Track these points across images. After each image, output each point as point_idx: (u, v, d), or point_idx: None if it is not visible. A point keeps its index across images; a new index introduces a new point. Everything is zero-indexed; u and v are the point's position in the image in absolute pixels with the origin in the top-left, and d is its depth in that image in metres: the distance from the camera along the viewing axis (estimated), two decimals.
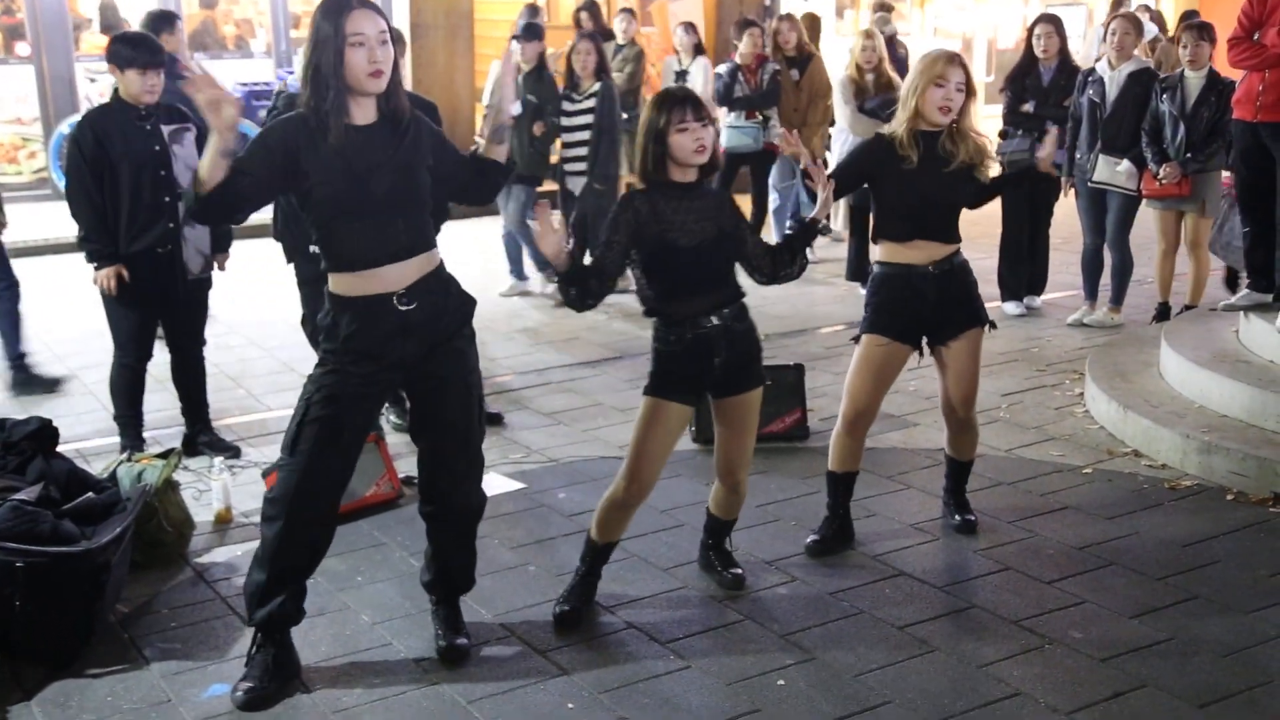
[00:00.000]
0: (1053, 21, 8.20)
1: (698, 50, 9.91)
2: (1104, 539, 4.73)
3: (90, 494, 4.38)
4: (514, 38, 8.56)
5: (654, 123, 3.81)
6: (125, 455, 4.98)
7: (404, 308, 3.61)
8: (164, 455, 4.88)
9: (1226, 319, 6.41)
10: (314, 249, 3.93)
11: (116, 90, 5.33)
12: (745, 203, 9.81)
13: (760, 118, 9.48)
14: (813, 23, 10.83)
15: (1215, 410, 5.67)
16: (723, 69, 9.73)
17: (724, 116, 9.56)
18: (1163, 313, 7.65)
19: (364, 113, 3.57)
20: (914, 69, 4.54)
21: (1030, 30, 8.40)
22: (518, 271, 9.02)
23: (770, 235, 9.86)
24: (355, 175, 3.53)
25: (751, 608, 4.24)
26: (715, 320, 3.94)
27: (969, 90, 4.42)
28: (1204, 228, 7.49)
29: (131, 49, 5.27)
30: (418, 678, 3.84)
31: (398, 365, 3.68)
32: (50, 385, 6.80)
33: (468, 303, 3.83)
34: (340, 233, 3.58)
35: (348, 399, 3.63)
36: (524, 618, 4.18)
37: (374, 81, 3.50)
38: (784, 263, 4.18)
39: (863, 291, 4.83)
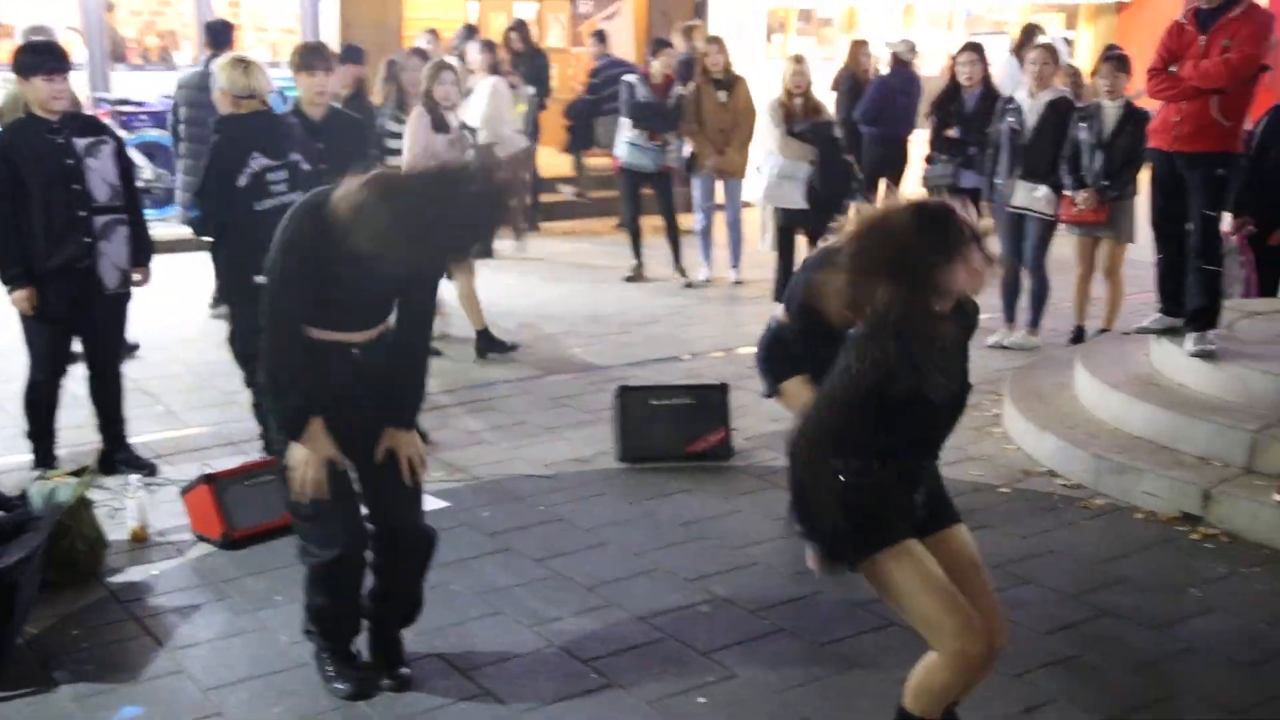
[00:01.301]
0: (976, 49, 8.38)
1: (492, 70, 9.87)
2: (1020, 557, 4.81)
3: (0, 512, 4.29)
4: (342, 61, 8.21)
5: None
6: (38, 473, 4.89)
7: (361, 357, 3.64)
8: (78, 473, 4.80)
9: (1139, 342, 6.55)
10: (259, 279, 3.83)
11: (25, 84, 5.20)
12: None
13: (661, 141, 9.60)
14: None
15: (1128, 431, 5.79)
16: (630, 77, 9.86)
17: (627, 131, 9.68)
18: (1078, 336, 7.80)
19: None
20: None
21: (954, 58, 8.57)
22: None
23: (694, 254, 9.94)
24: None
25: (674, 626, 4.26)
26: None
27: None
28: (1119, 253, 7.67)
29: (34, 55, 5.19)
30: (337, 699, 3.80)
31: (349, 413, 3.65)
32: None
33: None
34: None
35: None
36: (447, 637, 4.16)
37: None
38: None
39: None
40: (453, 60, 10.96)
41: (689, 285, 9.73)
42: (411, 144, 7.33)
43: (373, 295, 3.63)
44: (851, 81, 11.13)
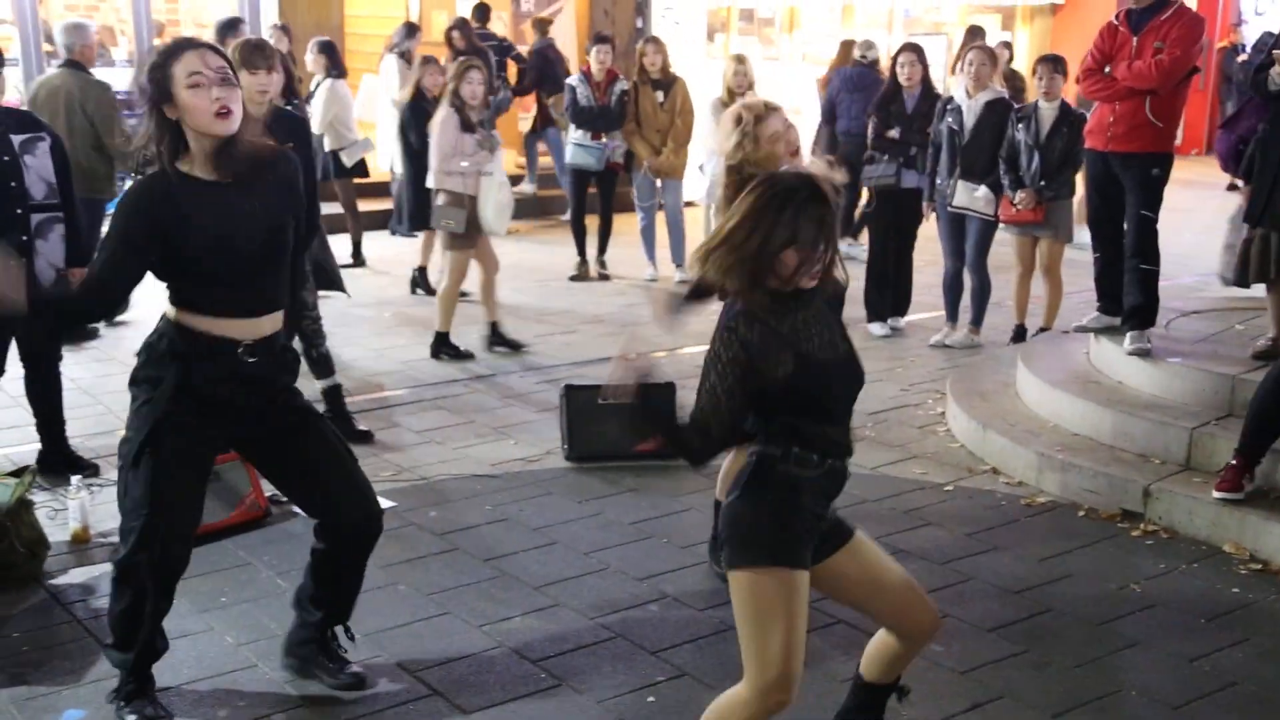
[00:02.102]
0: (915, 50, 8.43)
1: (328, 72, 9.78)
2: (964, 554, 4.85)
3: None
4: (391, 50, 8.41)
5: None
6: None
7: (248, 359, 3.47)
8: (17, 474, 4.71)
9: (1079, 341, 6.64)
10: None
11: None
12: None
13: (604, 139, 9.65)
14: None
15: (1068, 429, 5.87)
16: (573, 79, 9.92)
17: (571, 132, 9.77)
18: (1019, 334, 7.89)
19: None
20: None
21: (894, 59, 8.62)
22: None
23: (634, 251, 9.95)
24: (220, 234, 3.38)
25: (623, 625, 4.26)
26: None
27: None
28: (1057, 253, 7.76)
29: None
30: (284, 700, 3.76)
31: (226, 420, 3.54)
32: None
33: (296, 358, 3.77)
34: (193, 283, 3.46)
35: (178, 461, 3.48)
36: (394, 638, 4.13)
37: (221, 123, 3.31)
38: None
39: None
40: (392, 58, 10.96)
41: (604, 277, 9.90)
42: (440, 143, 7.33)
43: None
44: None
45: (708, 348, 2.93)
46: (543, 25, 12.95)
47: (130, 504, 3.49)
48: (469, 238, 7.39)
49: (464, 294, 7.90)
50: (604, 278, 9.93)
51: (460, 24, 11.79)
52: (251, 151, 3.44)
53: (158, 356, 3.48)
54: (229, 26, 8.77)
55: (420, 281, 9.28)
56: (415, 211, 8.64)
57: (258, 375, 3.50)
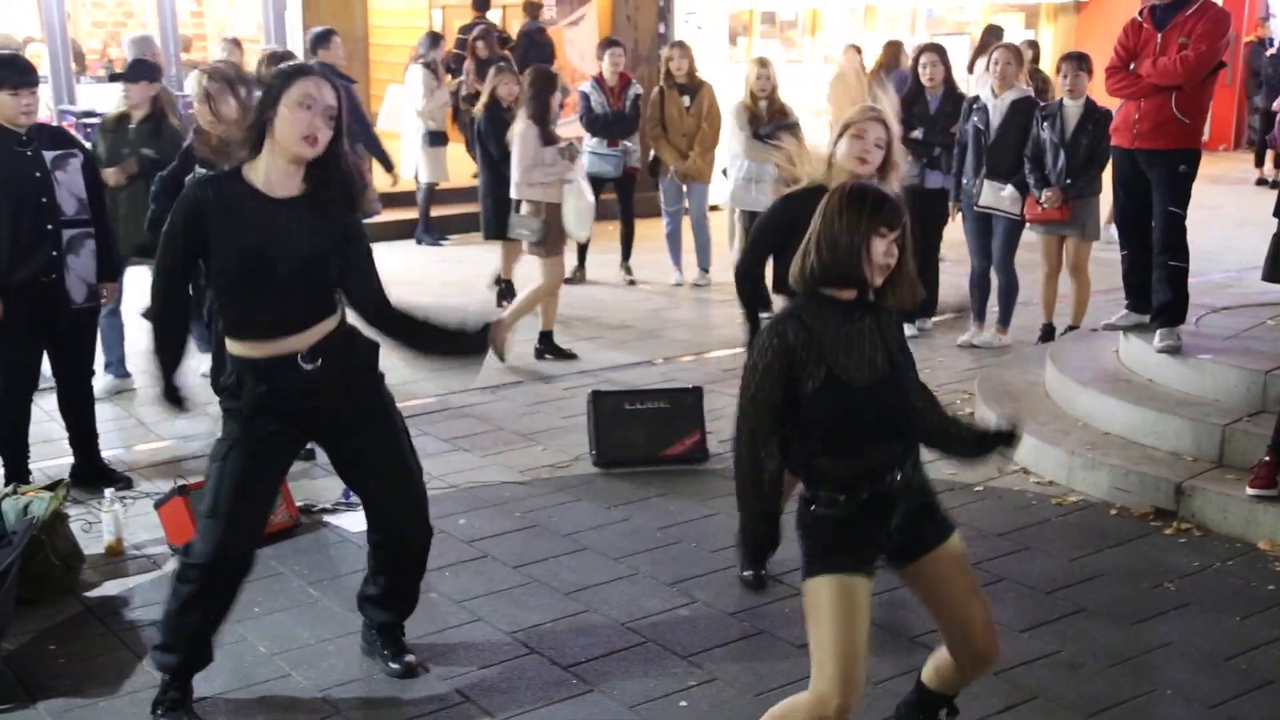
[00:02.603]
0: (937, 51, 8.41)
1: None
2: (995, 555, 4.83)
3: None
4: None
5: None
6: (10, 488, 4.83)
7: (308, 366, 3.56)
8: (52, 487, 4.75)
9: (1108, 339, 6.59)
10: None
11: None
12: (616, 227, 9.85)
13: (621, 146, 9.61)
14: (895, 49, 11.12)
15: (1098, 428, 5.83)
16: (586, 86, 9.84)
17: (587, 140, 9.64)
18: (1047, 333, 7.84)
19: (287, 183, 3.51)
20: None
21: (916, 60, 8.60)
22: None
23: (659, 256, 9.94)
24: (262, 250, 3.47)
25: (654, 630, 4.25)
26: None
27: (889, 149, 4.28)
28: (1084, 251, 7.72)
29: (1, 69, 5.13)
30: (318, 708, 3.78)
31: (306, 422, 3.68)
32: None
33: (373, 349, 3.76)
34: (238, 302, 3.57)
35: (261, 458, 3.62)
36: (427, 644, 4.14)
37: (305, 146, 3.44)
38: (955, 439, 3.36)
39: (761, 314, 4.68)
40: (417, 68, 11.01)
41: (631, 283, 9.86)
42: (521, 155, 7.38)
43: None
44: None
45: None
46: (533, 8, 13.08)
47: (205, 510, 3.64)
48: (555, 243, 7.51)
49: (503, 295, 8.01)
50: (630, 283, 9.91)
51: (484, 33, 11.87)
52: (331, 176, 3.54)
53: (229, 390, 3.61)
54: (322, 39, 8.96)
55: (507, 293, 9.04)
56: (493, 220, 8.59)
57: (322, 377, 3.58)
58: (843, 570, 3.01)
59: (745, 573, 4.59)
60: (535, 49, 12.30)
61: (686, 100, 9.50)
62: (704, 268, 9.77)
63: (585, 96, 9.74)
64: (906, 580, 3.24)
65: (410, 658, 3.97)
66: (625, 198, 9.95)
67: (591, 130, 9.69)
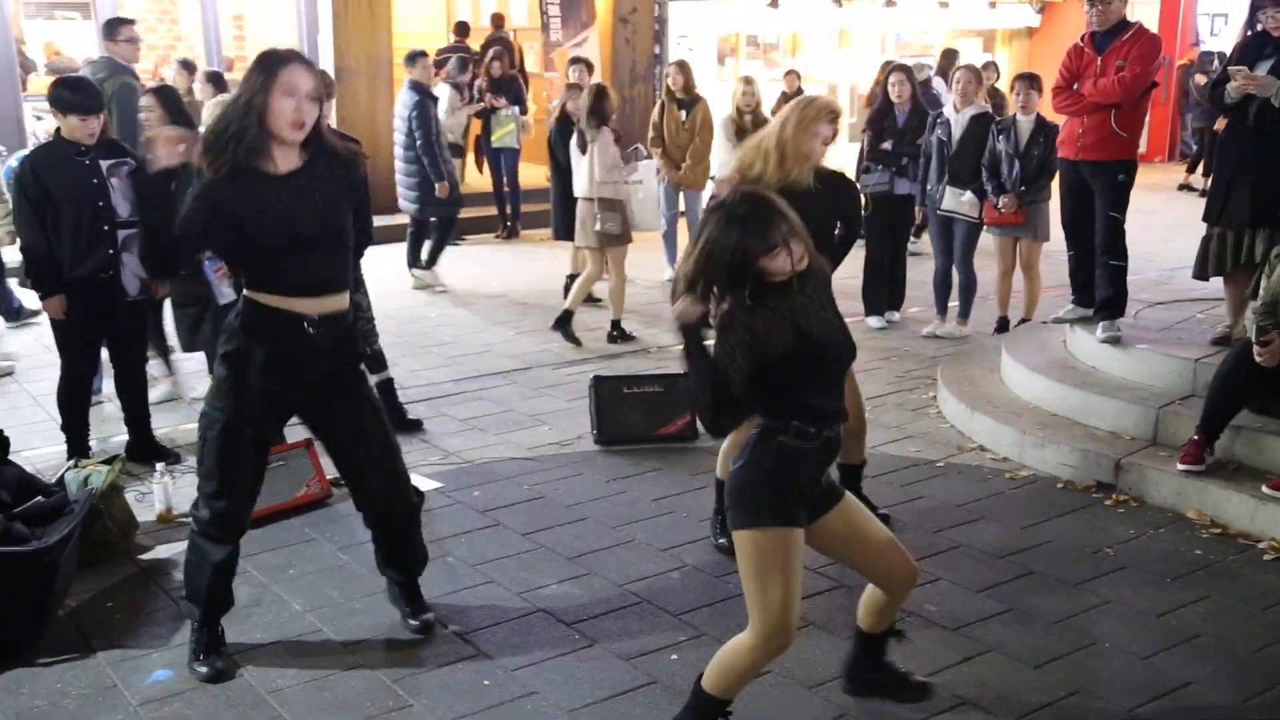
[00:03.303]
0: (904, 70, 8.39)
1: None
2: (954, 524, 4.84)
3: (39, 498, 4.26)
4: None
5: None
6: (72, 462, 4.84)
7: (313, 331, 3.54)
8: (109, 461, 4.76)
9: (1056, 330, 6.60)
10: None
11: (59, 129, 5.19)
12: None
13: None
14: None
15: (1047, 410, 5.84)
16: (558, 103, 9.48)
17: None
18: (1002, 325, 7.84)
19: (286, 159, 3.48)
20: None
21: (884, 78, 8.58)
22: None
23: (654, 255, 9.91)
24: (280, 217, 3.44)
25: (648, 591, 4.27)
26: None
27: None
28: (1036, 251, 7.71)
29: (73, 94, 5.12)
30: (346, 660, 3.79)
31: (299, 383, 3.62)
32: None
33: (361, 335, 3.82)
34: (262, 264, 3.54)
35: (256, 413, 3.60)
36: (444, 603, 4.14)
37: (294, 132, 3.42)
38: None
39: None
40: (445, 87, 10.99)
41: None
42: (603, 159, 7.62)
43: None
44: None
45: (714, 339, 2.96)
46: (498, 20, 13.35)
47: (204, 471, 3.63)
48: (624, 237, 7.78)
49: (595, 299, 8.40)
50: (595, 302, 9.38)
51: (499, 54, 11.86)
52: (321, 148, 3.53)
53: (233, 331, 3.58)
54: (416, 58, 9.41)
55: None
56: (562, 223, 8.63)
57: (322, 347, 3.57)
58: (789, 523, 2.96)
59: (720, 540, 4.60)
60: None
61: (683, 114, 9.43)
62: None
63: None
64: (815, 537, 3.12)
65: (428, 615, 3.98)
66: None
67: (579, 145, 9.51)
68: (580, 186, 7.82)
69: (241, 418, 3.57)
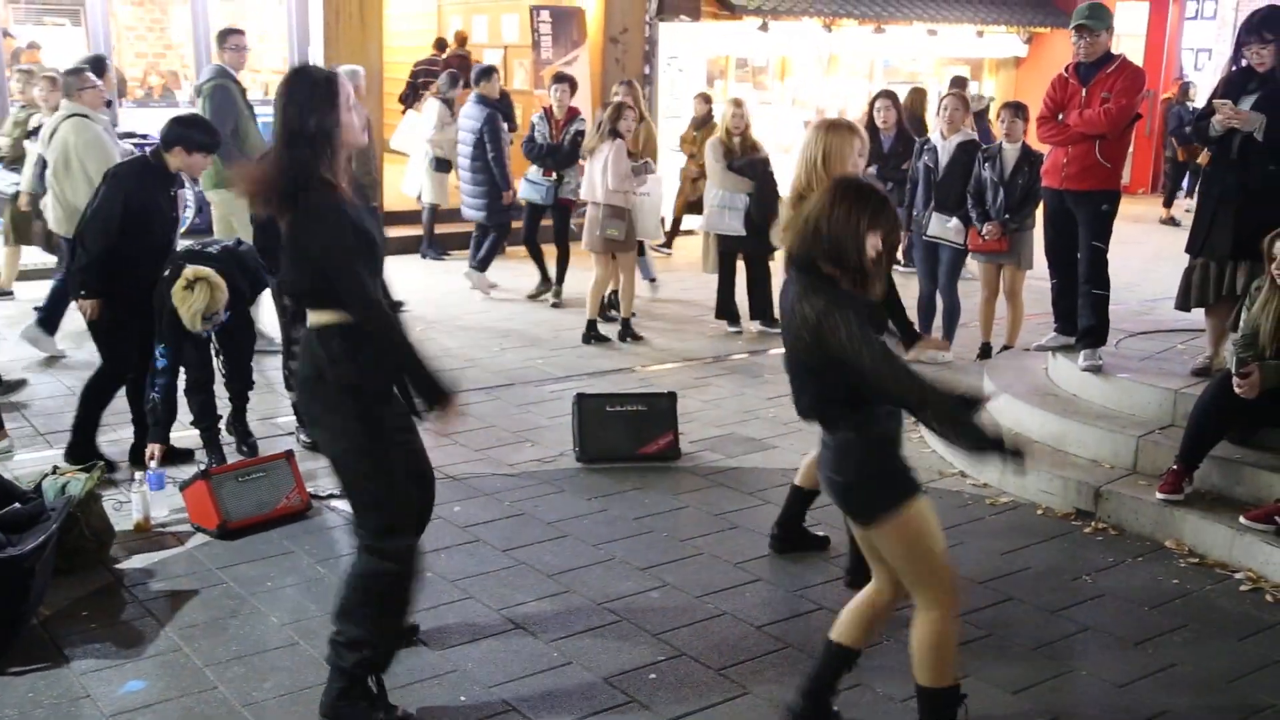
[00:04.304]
0: (890, 97, 8.46)
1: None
2: None
3: (16, 504, 4.22)
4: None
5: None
6: (50, 469, 4.80)
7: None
8: (87, 469, 4.72)
9: (1038, 358, 6.63)
10: None
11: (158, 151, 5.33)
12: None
13: (556, 176, 9.29)
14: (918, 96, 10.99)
15: (1028, 436, 5.86)
16: (534, 117, 9.48)
17: (529, 168, 9.38)
18: (985, 351, 7.87)
19: None
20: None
21: (871, 104, 8.63)
22: None
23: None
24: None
25: (627, 610, 4.25)
26: None
27: None
28: (1019, 278, 7.76)
29: (208, 136, 5.38)
30: (323, 674, 3.75)
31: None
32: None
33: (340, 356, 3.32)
34: None
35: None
36: (421, 620, 4.11)
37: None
38: None
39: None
40: (434, 102, 10.99)
41: (555, 306, 9.46)
42: (616, 169, 7.94)
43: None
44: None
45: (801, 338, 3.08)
46: (460, 37, 14.02)
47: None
48: (630, 242, 8.18)
49: (610, 305, 8.72)
50: (556, 307, 9.45)
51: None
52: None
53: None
54: (486, 74, 9.68)
55: (612, 303, 9.03)
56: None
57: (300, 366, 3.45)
58: (920, 490, 3.10)
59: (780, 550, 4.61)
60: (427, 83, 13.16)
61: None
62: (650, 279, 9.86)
63: (532, 125, 9.38)
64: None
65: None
66: (559, 227, 9.48)
67: (530, 158, 9.32)
68: (590, 192, 8.09)
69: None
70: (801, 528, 4.79)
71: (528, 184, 9.43)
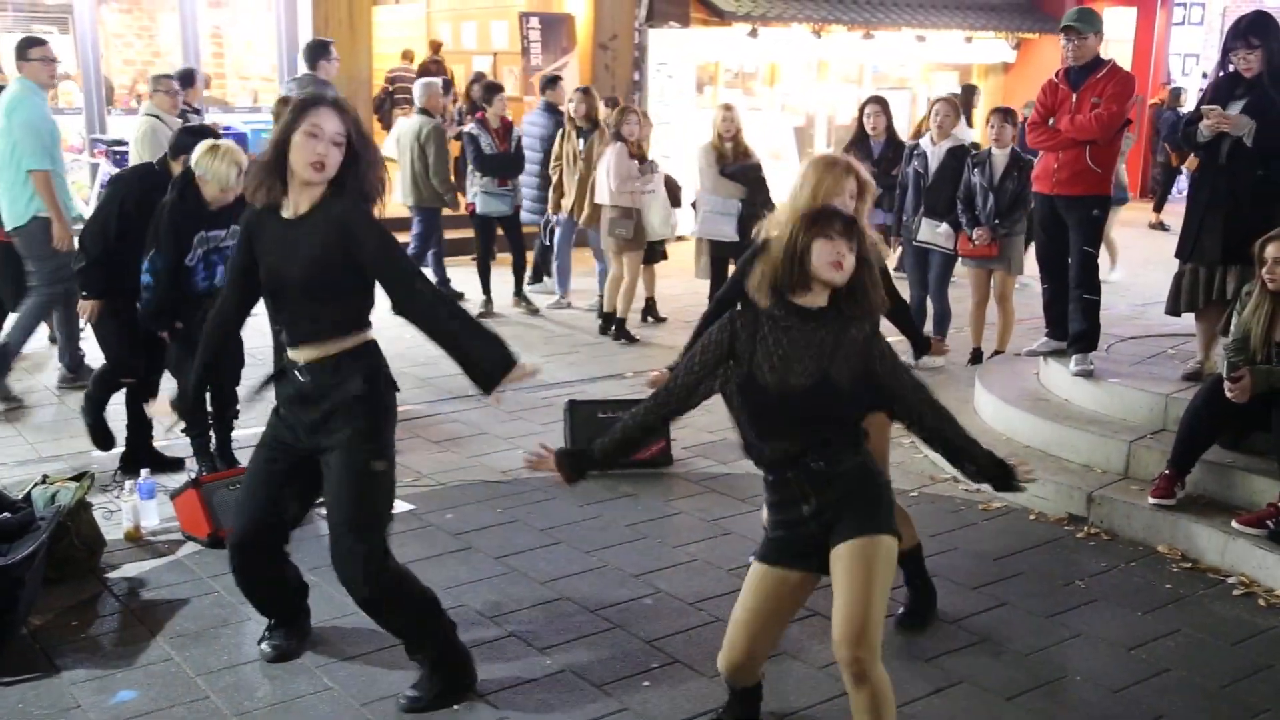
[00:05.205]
0: (880, 102, 8.47)
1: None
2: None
3: (5, 514, 4.20)
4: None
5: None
6: (40, 478, 4.78)
7: (302, 379, 3.48)
8: (78, 478, 4.70)
9: (1029, 363, 6.64)
10: None
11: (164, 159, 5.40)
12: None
13: (510, 185, 9.19)
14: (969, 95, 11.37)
15: (1020, 441, 5.87)
16: (471, 128, 9.24)
17: (478, 180, 9.17)
18: (976, 357, 7.88)
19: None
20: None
21: (861, 110, 8.64)
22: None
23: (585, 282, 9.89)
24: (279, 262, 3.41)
25: (621, 616, 4.24)
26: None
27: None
28: (1009, 284, 7.77)
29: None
30: (315, 683, 3.75)
31: (298, 429, 3.53)
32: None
33: (358, 382, 3.47)
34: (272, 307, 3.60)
35: (265, 453, 3.63)
36: None
37: (313, 173, 3.32)
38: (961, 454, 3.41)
39: None
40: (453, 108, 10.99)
41: (535, 312, 9.45)
42: (617, 170, 8.14)
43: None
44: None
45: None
46: (435, 46, 14.48)
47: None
48: (638, 242, 8.40)
49: (647, 312, 9.07)
50: (533, 312, 9.45)
51: (478, 77, 11.92)
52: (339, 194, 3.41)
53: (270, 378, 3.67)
54: (553, 82, 9.81)
55: (649, 309, 9.10)
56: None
57: (307, 394, 3.47)
58: (767, 561, 3.19)
59: None
60: (402, 92, 13.69)
61: (581, 143, 8.92)
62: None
63: (473, 138, 9.07)
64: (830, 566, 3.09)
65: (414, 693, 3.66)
66: (514, 234, 9.39)
67: (483, 170, 9.07)
68: (599, 194, 8.34)
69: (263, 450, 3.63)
70: None
71: (486, 197, 9.13)
